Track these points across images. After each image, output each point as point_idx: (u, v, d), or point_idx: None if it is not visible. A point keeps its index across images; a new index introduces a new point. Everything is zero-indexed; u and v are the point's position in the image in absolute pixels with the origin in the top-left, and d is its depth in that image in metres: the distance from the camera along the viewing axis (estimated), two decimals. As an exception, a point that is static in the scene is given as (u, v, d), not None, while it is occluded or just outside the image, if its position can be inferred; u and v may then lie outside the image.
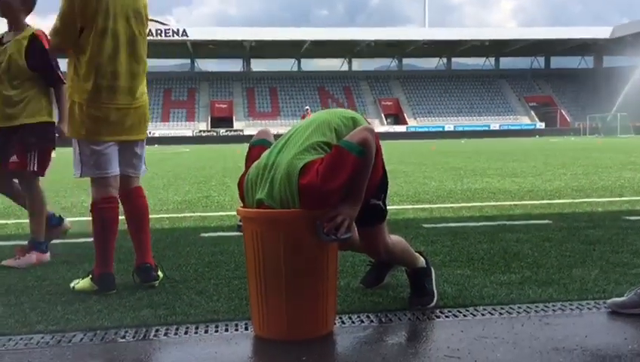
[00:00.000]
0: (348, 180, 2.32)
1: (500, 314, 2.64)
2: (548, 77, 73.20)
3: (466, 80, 72.26)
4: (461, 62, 78.80)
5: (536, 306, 2.73)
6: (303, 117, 22.72)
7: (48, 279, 3.40)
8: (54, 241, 4.18)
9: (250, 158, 2.61)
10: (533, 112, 67.43)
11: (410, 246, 2.90)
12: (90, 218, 3.24)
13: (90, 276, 3.15)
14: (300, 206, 2.31)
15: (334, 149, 2.35)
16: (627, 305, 2.61)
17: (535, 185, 8.31)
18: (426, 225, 5.03)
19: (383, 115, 65.03)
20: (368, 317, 2.64)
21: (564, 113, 66.29)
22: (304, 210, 2.30)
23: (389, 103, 66.93)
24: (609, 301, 2.70)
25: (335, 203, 2.34)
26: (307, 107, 23.75)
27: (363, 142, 2.35)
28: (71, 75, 3.18)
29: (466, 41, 66.31)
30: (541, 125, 63.81)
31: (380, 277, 3.12)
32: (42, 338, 2.44)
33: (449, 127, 61.56)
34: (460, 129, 61.02)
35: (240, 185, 2.54)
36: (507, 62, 76.34)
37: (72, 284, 3.18)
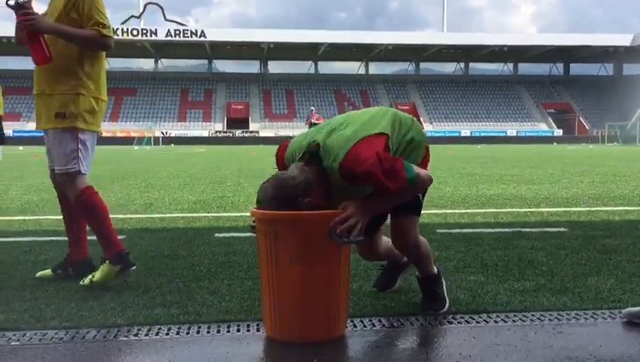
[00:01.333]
0: (382, 188, 2.39)
1: (514, 321, 2.63)
2: (567, 83, 72.61)
3: (483, 85, 71.88)
4: (479, 67, 78.33)
5: (550, 314, 2.71)
6: (308, 118, 22.70)
7: (62, 276, 3.43)
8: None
9: (281, 149, 2.68)
10: (551, 119, 66.90)
11: None
12: (81, 212, 3.33)
13: (107, 261, 3.22)
14: (339, 162, 2.37)
15: (399, 161, 2.44)
16: None
17: (551, 193, 8.24)
18: (439, 231, 5.00)
19: (399, 119, 64.80)
20: (380, 321, 2.63)
21: (582, 120, 65.70)
22: (320, 209, 2.32)
23: (406, 107, 66.62)
24: (624, 310, 2.66)
25: (356, 188, 2.42)
26: (312, 108, 23.74)
27: (420, 180, 2.48)
28: (79, 71, 3.20)
29: (484, 46, 65.98)
30: (559, 132, 63.29)
31: (392, 280, 3.11)
32: (56, 333, 2.47)
33: (465, 133, 61.28)
34: (477, 134, 60.70)
35: (279, 156, 2.64)
36: (526, 68, 75.78)
37: (85, 281, 3.19)
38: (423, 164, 2.70)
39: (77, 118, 3.20)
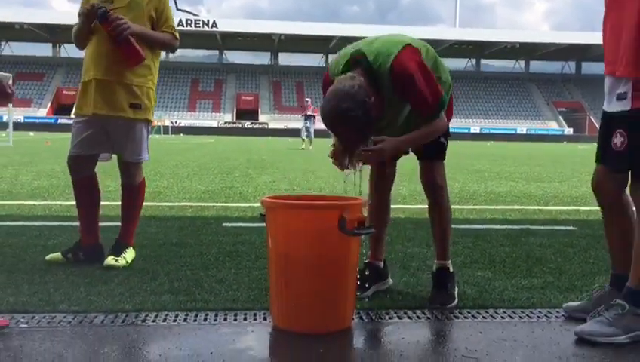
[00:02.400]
0: (421, 99, 2.52)
1: (520, 317, 2.62)
2: (578, 82, 72.13)
3: (494, 82, 71.53)
4: (490, 63, 77.93)
5: (557, 312, 2.70)
6: (304, 109, 22.47)
7: (71, 260, 3.45)
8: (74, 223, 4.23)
9: (326, 76, 2.74)
10: (561, 117, 66.54)
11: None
12: (137, 196, 3.55)
13: (131, 246, 3.49)
14: (392, 62, 2.48)
15: (432, 75, 2.58)
16: (579, 309, 2.57)
17: (561, 191, 8.20)
18: (454, 226, 4.98)
19: (408, 114, 64.64)
20: (387, 313, 2.64)
21: (593, 120, 65.29)
22: (330, 200, 2.32)
23: (416, 102, 66.53)
24: (564, 305, 2.65)
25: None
26: (308, 99, 23.50)
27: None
28: (152, 65, 3.42)
29: (496, 42, 65.62)
30: (569, 131, 62.96)
31: (365, 285, 2.87)
32: (65, 317, 2.48)
33: (475, 129, 61.02)
34: (486, 131, 60.43)
35: (325, 83, 2.69)
36: (537, 66, 75.35)
37: (120, 261, 3.31)
38: (447, 113, 2.77)
39: (149, 111, 3.43)
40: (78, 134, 3.39)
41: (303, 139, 22.50)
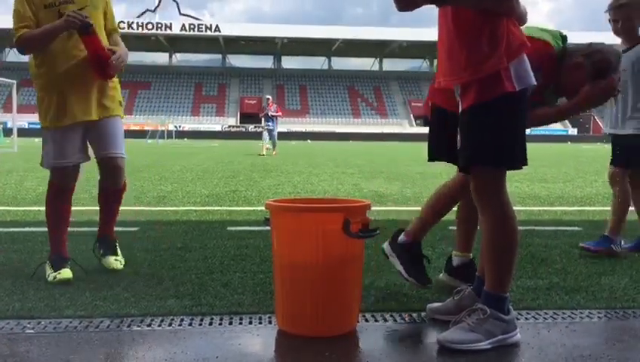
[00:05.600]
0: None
1: (526, 319, 2.62)
2: (582, 82, 71.95)
3: (497, 83, 71.41)
4: (493, 65, 77.95)
5: (564, 313, 2.69)
6: (264, 110, 20.02)
7: (77, 266, 3.45)
8: (86, 229, 4.25)
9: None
10: (565, 118, 66.38)
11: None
12: (121, 195, 3.53)
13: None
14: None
15: None
16: (442, 311, 2.56)
17: (565, 192, 8.18)
18: (452, 228, 4.97)
19: (412, 116, 64.68)
20: (392, 316, 2.63)
21: (597, 120, 65.13)
22: (337, 204, 2.32)
23: (419, 104, 66.56)
24: (428, 306, 2.62)
25: None
26: (268, 97, 21.72)
27: None
28: None
29: (499, 43, 65.52)
30: (573, 131, 62.78)
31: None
32: (70, 322, 2.49)
33: (479, 130, 60.85)
34: (490, 132, 60.28)
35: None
36: (540, 67, 75.25)
37: (117, 265, 3.33)
38: None
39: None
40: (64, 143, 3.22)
41: (268, 147, 19.42)
